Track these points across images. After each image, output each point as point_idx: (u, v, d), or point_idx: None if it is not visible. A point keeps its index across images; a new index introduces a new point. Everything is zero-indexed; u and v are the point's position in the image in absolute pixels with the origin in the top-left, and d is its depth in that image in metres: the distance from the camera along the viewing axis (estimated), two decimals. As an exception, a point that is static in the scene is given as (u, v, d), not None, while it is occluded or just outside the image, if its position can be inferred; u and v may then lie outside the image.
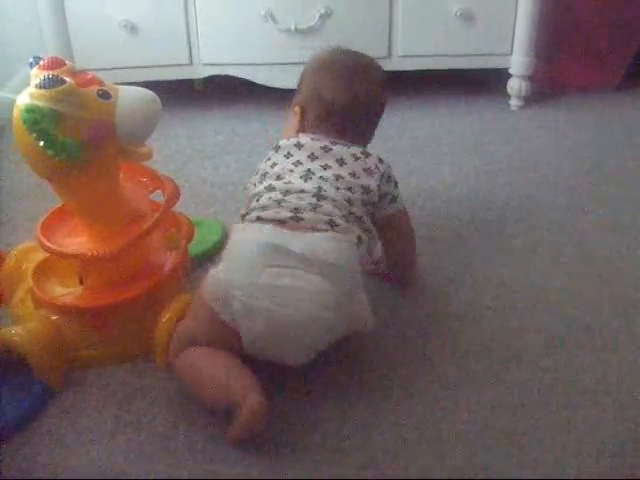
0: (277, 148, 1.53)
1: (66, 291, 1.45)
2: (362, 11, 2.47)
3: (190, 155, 2.31)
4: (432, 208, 1.95)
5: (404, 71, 2.56)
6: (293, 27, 2.44)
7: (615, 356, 1.43)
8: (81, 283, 1.47)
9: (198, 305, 1.35)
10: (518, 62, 2.53)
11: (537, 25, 2.48)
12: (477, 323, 1.51)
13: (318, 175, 1.44)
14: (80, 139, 1.26)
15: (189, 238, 1.59)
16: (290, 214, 1.36)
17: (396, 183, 1.55)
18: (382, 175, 1.49)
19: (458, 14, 2.45)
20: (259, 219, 1.37)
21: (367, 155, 1.50)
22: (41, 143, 1.24)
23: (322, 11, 2.43)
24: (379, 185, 1.48)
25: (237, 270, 1.30)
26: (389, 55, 2.52)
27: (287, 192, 1.40)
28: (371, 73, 1.63)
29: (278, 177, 1.45)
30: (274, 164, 1.49)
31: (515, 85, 2.59)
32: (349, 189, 1.43)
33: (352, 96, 1.55)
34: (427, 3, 2.47)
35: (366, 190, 1.45)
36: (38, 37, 2.49)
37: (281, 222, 1.35)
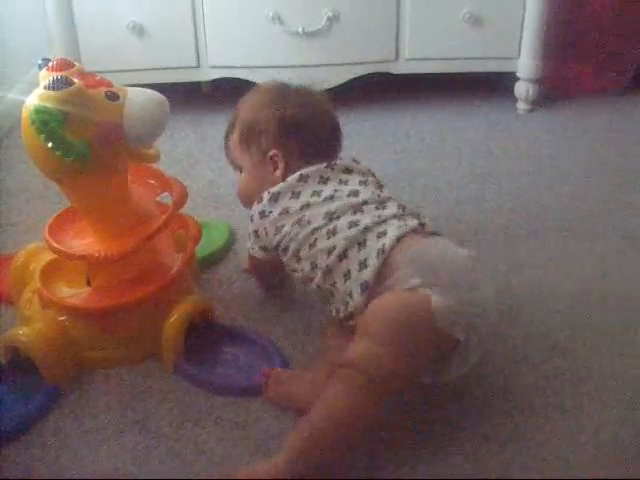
0: (276, 195, 1.40)
1: (73, 292, 1.45)
2: (369, 14, 2.47)
3: (197, 157, 2.31)
4: (438, 210, 1.95)
5: (411, 74, 2.56)
6: (300, 30, 2.44)
7: (620, 359, 1.43)
8: (88, 284, 1.47)
9: (414, 333, 1.18)
10: (525, 66, 2.53)
11: (544, 29, 2.48)
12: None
13: (352, 189, 1.38)
14: (88, 140, 1.26)
15: (196, 240, 1.59)
16: (415, 223, 1.30)
17: None
18: (371, 171, 1.48)
19: (466, 17, 2.45)
20: (399, 238, 1.26)
21: (355, 161, 1.48)
22: (49, 144, 1.24)
23: (329, 14, 2.43)
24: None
25: (464, 291, 1.21)
26: (396, 58, 2.52)
27: (357, 206, 1.33)
28: (312, 89, 1.56)
29: (328, 215, 1.33)
30: (305, 205, 1.36)
31: (522, 89, 2.59)
32: (378, 186, 1.43)
33: (322, 114, 1.50)
34: (434, 6, 2.47)
35: (379, 183, 1.45)
36: (46, 39, 2.50)
37: (418, 232, 1.30)
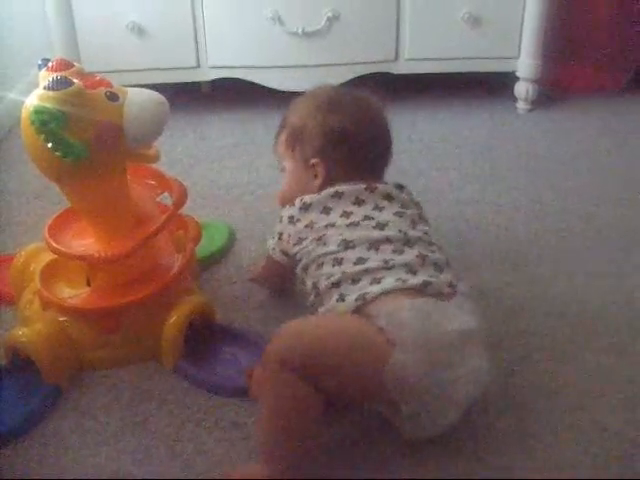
0: (308, 206, 1.38)
1: (73, 292, 1.45)
2: (369, 14, 2.47)
3: (197, 157, 2.31)
4: (439, 210, 1.94)
5: (411, 74, 2.56)
6: (300, 30, 2.44)
7: (622, 358, 1.43)
8: (88, 285, 1.46)
9: (355, 362, 1.15)
10: (525, 65, 2.53)
11: (544, 28, 2.48)
12: (485, 326, 1.51)
13: (383, 219, 1.33)
14: (88, 140, 1.26)
15: (196, 240, 1.59)
16: (419, 280, 1.21)
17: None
18: (414, 201, 1.44)
19: (465, 17, 2.45)
20: (386, 292, 1.20)
21: (400, 188, 1.43)
22: (49, 144, 1.24)
23: (329, 14, 2.43)
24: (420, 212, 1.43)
25: (435, 366, 1.14)
26: (396, 58, 2.52)
27: (376, 242, 1.28)
28: (371, 99, 1.48)
29: (341, 233, 1.31)
30: (330, 225, 1.33)
31: (522, 88, 2.59)
32: (413, 222, 1.36)
33: (375, 128, 1.45)
34: (434, 6, 2.47)
35: (421, 217, 1.41)
36: (46, 40, 2.50)
37: (417, 291, 1.21)
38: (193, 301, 1.45)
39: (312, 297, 1.32)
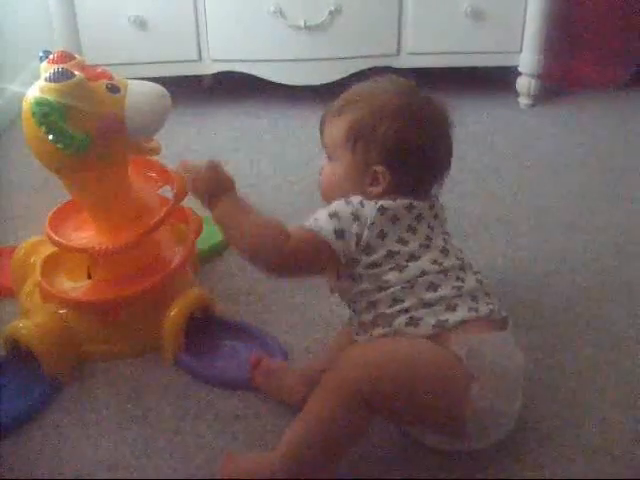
0: (384, 211, 1.22)
1: (74, 285, 1.46)
2: (372, 8, 2.47)
3: (199, 151, 2.31)
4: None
5: (413, 68, 2.56)
6: (302, 23, 2.43)
7: (624, 354, 1.43)
8: (89, 277, 1.47)
9: (438, 395, 1.13)
10: (527, 60, 2.53)
11: (547, 23, 2.47)
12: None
13: (441, 241, 1.26)
14: (89, 132, 1.26)
15: (197, 233, 1.59)
16: (486, 309, 1.19)
17: None
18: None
19: (468, 11, 2.44)
20: (465, 322, 1.17)
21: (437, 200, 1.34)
22: (50, 136, 1.24)
23: (332, 7, 2.43)
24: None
25: (506, 400, 1.16)
26: (398, 52, 2.52)
27: (446, 272, 1.21)
28: (446, 112, 1.34)
29: (413, 256, 1.22)
30: (401, 240, 1.22)
31: (524, 83, 2.58)
32: (453, 245, 1.29)
33: (445, 148, 1.32)
34: (436, 0, 2.46)
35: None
36: (47, 32, 2.50)
37: (486, 319, 1.19)
38: (194, 294, 1.45)
39: (366, 315, 1.23)
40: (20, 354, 1.37)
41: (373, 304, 1.21)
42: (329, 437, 1.11)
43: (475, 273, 1.26)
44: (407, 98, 1.29)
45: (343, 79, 2.46)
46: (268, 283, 1.63)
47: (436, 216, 1.29)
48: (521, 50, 2.53)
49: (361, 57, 2.51)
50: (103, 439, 1.26)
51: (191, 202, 1.55)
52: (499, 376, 1.14)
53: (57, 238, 1.41)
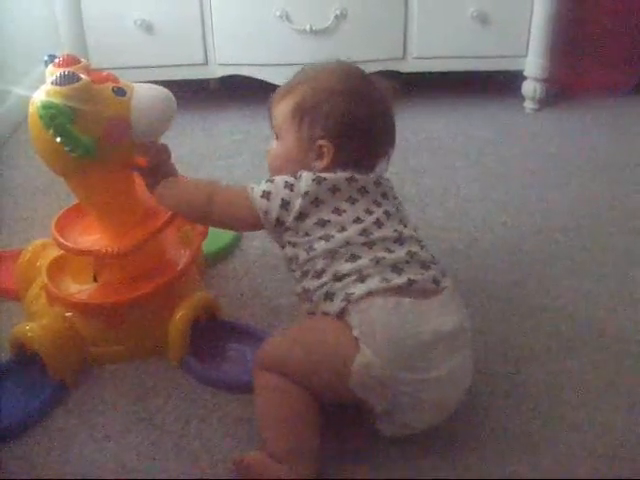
0: (321, 181, 1.28)
1: (80, 288, 1.46)
2: (377, 12, 2.48)
3: (205, 154, 2.31)
4: (445, 209, 1.95)
5: (419, 72, 2.56)
6: (308, 28, 2.44)
7: (627, 358, 1.43)
8: (95, 280, 1.46)
9: (331, 372, 1.17)
10: (533, 64, 2.53)
11: (553, 27, 2.47)
12: (491, 324, 1.51)
13: (381, 215, 1.29)
14: (96, 135, 1.26)
15: (203, 236, 1.59)
16: (403, 280, 1.19)
17: None
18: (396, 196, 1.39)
19: (474, 15, 2.45)
20: (371, 293, 1.18)
21: (387, 181, 1.37)
22: (58, 139, 1.24)
23: (337, 12, 2.43)
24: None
25: (404, 367, 1.14)
26: (404, 56, 2.53)
27: (372, 244, 1.24)
28: (387, 88, 1.39)
29: (343, 228, 1.25)
30: (337, 210, 1.27)
31: (530, 87, 2.58)
32: (404, 219, 1.33)
33: (387, 121, 1.36)
34: (442, 4, 2.48)
35: (405, 214, 1.36)
36: (54, 35, 2.50)
37: (398, 290, 1.18)
38: (199, 297, 1.45)
39: (298, 287, 1.29)
40: (26, 357, 1.37)
41: (304, 274, 1.27)
42: (273, 409, 1.19)
43: (414, 246, 1.26)
44: (350, 79, 1.35)
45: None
46: (274, 286, 1.63)
47: (385, 194, 1.33)
48: (527, 54, 2.53)
49: (367, 61, 2.47)
50: (109, 442, 1.26)
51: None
52: (390, 342, 1.14)
53: (63, 241, 1.41)
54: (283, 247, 1.31)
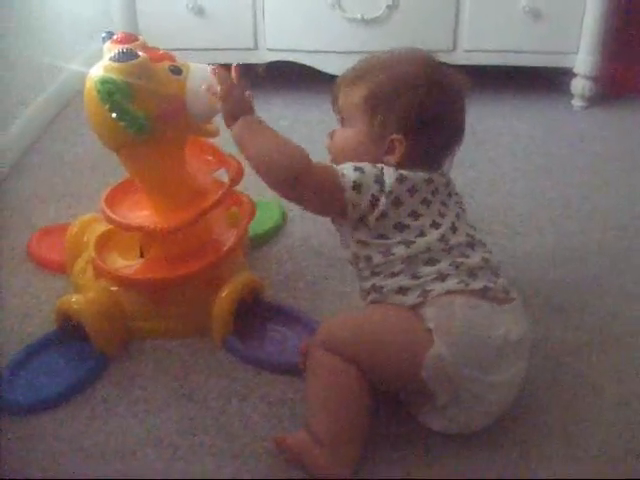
0: (404, 180, 1.24)
1: (126, 263, 1.48)
2: (429, 3, 2.47)
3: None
4: (490, 202, 1.95)
5: (468, 65, 2.55)
6: (360, 16, 2.44)
7: (624, 353, 1.44)
8: (142, 256, 1.48)
9: (402, 359, 1.17)
10: (583, 61, 2.50)
11: (605, 24, 2.45)
12: (533, 320, 1.50)
13: (453, 218, 1.28)
14: (151, 113, 1.28)
15: (250, 217, 1.59)
16: (480, 285, 1.19)
17: None
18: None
19: (526, 10, 2.43)
20: (450, 291, 1.18)
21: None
22: (114, 115, 1.26)
23: (389, 2, 2.43)
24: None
25: (474, 365, 1.14)
26: (454, 48, 2.51)
27: (450, 249, 1.23)
28: (465, 83, 1.35)
29: (422, 232, 1.23)
30: (414, 213, 1.24)
31: (579, 85, 2.56)
32: (468, 222, 1.32)
33: (462, 125, 1.35)
34: (495, -3, 2.46)
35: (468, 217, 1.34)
36: (106, 17, 2.52)
37: (475, 293, 1.18)
38: (244, 278, 1.45)
39: (366, 283, 1.27)
40: (71, 328, 1.39)
41: (376, 274, 1.24)
42: (328, 394, 1.17)
43: (485, 252, 1.26)
44: (426, 68, 1.30)
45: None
46: (318, 270, 1.64)
47: (450, 194, 1.31)
48: (578, 51, 2.50)
49: (416, 52, 2.50)
50: (149, 415, 1.28)
51: (244, 188, 1.57)
52: (465, 340, 1.14)
53: (113, 216, 1.42)
54: (347, 245, 1.30)
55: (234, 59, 2.51)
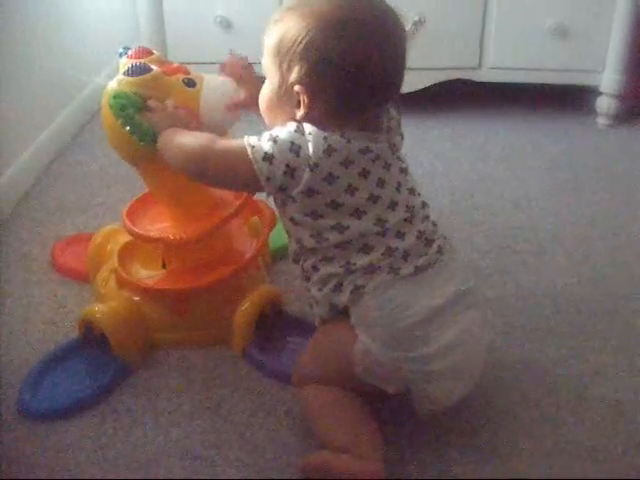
0: (346, 162, 1.13)
1: (149, 273, 1.48)
2: (455, 20, 2.47)
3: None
4: (516, 220, 1.95)
5: (493, 82, 2.55)
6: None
7: (622, 359, 1.44)
8: (164, 267, 1.49)
9: (342, 365, 1.19)
10: (609, 80, 2.50)
11: (631, 43, 2.44)
12: (561, 331, 1.51)
13: (393, 190, 1.18)
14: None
15: (271, 226, 1.57)
16: (410, 269, 1.17)
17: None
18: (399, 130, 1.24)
19: (551, 28, 2.43)
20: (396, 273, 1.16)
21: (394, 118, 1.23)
22: (126, 128, 1.28)
23: (415, 18, 2.43)
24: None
25: (399, 347, 1.15)
26: (480, 66, 2.51)
27: (386, 231, 1.17)
28: (401, 27, 1.16)
29: (359, 212, 1.16)
30: (350, 187, 1.15)
31: (604, 103, 2.55)
32: (411, 190, 1.22)
33: (392, 72, 1.15)
34: (520, 15, 2.46)
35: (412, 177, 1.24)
36: (134, 29, 2.56)
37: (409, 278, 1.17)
38: (265, 290, 1.46)
39: (301, 251, 1.23)
40: (93, 337, 1.40)
41: (314, 267, 1.22)
42: (331, 412, 1.20)
43: (423, 219, 1.21)
44: (347, 5, 1.11)
45: (422, 90, 2.47)
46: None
47: (393, 159, 1.18)
48: (603, 70, 2.50)
49: (442, 69, 2.51)
50: (174, 427, 1.28)
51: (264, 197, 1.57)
52: (383, 325, 1.15)
53: (134, 228, 1.43)
54: (284, 218, 1.22)
55: (258, 72, 2.55)
